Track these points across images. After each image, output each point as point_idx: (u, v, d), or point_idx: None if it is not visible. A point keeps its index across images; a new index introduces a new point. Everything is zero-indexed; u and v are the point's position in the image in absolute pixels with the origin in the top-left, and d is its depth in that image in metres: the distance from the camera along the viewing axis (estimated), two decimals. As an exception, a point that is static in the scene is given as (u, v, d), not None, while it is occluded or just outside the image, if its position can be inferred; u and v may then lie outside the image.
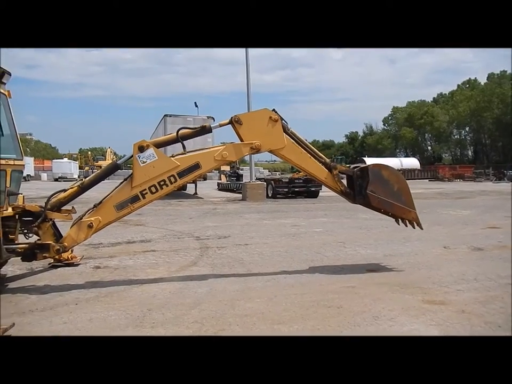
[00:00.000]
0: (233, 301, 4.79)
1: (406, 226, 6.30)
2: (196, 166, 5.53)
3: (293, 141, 5.92)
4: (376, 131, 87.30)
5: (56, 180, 46.78)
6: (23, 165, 5.54)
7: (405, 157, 69.18)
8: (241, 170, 41.17)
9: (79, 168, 54.52)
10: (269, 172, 63.07)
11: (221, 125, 5.82)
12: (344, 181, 6.35)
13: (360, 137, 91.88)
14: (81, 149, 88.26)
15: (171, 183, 5.42)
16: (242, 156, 5.94)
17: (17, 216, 5.23)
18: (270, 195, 20.42)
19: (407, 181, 6.52)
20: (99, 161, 57.39)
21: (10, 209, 5.11)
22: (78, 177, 49.15)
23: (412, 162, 54.98)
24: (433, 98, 79.13)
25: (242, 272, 6.14)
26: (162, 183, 5.37)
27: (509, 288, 5.15)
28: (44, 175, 50.38)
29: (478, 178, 43.37)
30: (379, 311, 4.43)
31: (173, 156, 5.58)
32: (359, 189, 6.14)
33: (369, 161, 50.15)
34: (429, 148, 78.34)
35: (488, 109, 59.62)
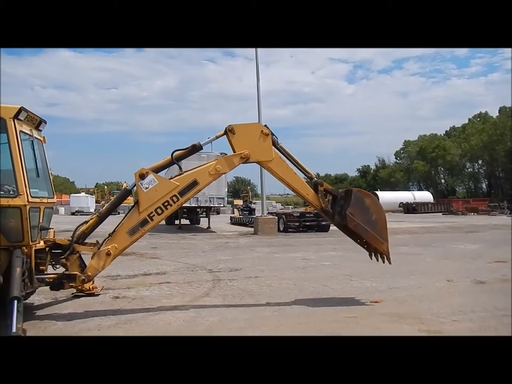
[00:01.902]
0: (242, 329, 5.17)
1: (378, 260, 6.57)
2: (194, 183, 6.00)
3: (281, 155, 6.39)
4: (388, 164, 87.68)
5: (73, 213, 47.79)
6: (54, 202, 6.15)
7: (418, 190, 69.05)
8: (254, 204, 41.77)
9: (96, 202, 55.65)
10: (281, 205, 63.44)
11: (217, 137, 6.30)
12: None
13: (372, 170, 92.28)
14: (97, 183, 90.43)
15: (174, 202, 5.89)
16: (234, 166, 6.29)
17: (47, 248, 5.77)
18: (281, 229, 20.77)
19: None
20: (115, 196, 58.61)
21: (42, 243, 5.68)
22: (95, 211, 50.28)
23: (425, 196, 54.80)
24: (446, 131, 79.71)
25: (251, 303, 6.52)
26: (166, 203, 5.85)
27: (503, 320, 5.42)
28: (62, 209, 51.58)
29: (493, 211, 42.95)
30: (377, 338, 4.75)
31: (171, 178, 6.06)
32: (340, 209, 6.44)
33: (382, 194, 50.34)
34: (442, 181, 78.15)
35: (501, 142, 59.73)
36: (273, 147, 6.32)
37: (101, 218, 6.05)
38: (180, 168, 6.18)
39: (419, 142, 79.39)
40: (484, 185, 72.40)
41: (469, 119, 73.32)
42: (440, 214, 43.81)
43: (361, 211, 6.34)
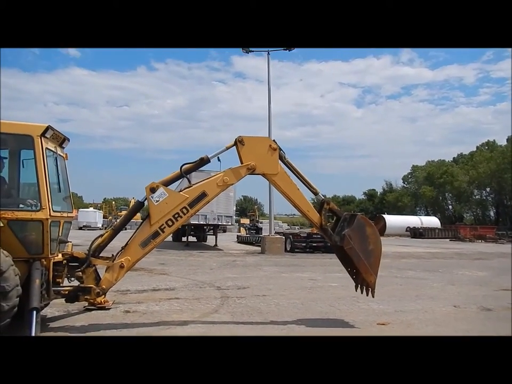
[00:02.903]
0: (251, 346, 5.27)
1: (362, 293, 6.62)
2: (203, 195, 6.17)
3: (288, 170, 6.57)
4: (395, 188, 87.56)
5: (80, 228, 47.90)
6: (73, 217, 6.37)
7: (425, 215, 68.68)
8: (261, 223, 41.84)
9: (103, 218, 55.87)
10: (287, 225, 63.35)
11: (227, 148, 6.48)
12: None
13: (379, 194, 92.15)
14: (105, 198, 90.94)
15: (184, 214, 6.05)
16: (241, 177, 6.44)
17: (64, 261, 5.96)
18: (288, 249, 20.85)
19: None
20: (122, 211, 58.94)
21: (60, 256, 5.87)
22: (102, 226, 50.47)
23: (432, 221, 54.34)
24: (453, 158, 79.85)
25: (260, 320, 6.63)
26: (176, 215, 6.01)
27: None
28: (69, 223, 51.61)
29: (500, 240, 42.46)
30: (384, 360, 4.83)
31: (181, 190, 6.24)
32: (340, 230, 6.51)
33: (389, 218, 50.17)
34: (450, 207, 77.74)
35: (509, 171, 59.59)
36: (280, 162, 6.52)
37: (116, 231, 6.24)
38: (189, 181, 6.36)
39: (427, 167, 79.45)
40: (491, 213, 71.84)
41: (477, 147, 73.45)
42: (447, 240, 43.42)
43: (360, 238, 6.40)
